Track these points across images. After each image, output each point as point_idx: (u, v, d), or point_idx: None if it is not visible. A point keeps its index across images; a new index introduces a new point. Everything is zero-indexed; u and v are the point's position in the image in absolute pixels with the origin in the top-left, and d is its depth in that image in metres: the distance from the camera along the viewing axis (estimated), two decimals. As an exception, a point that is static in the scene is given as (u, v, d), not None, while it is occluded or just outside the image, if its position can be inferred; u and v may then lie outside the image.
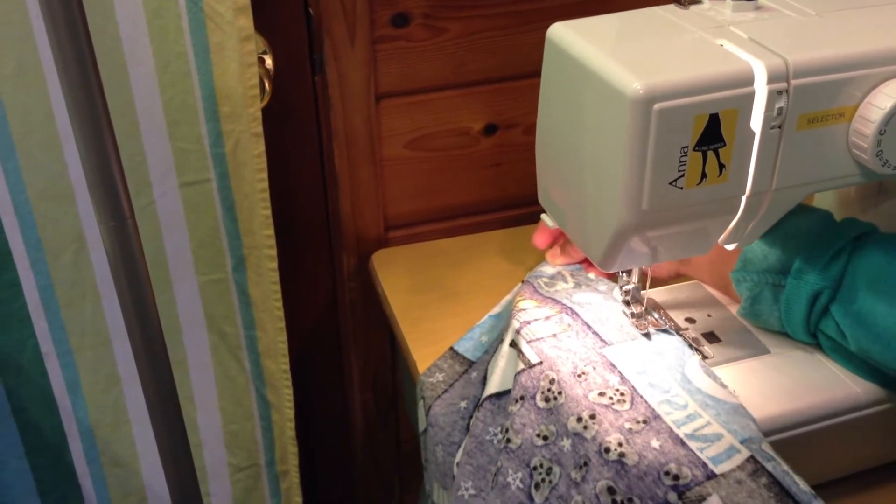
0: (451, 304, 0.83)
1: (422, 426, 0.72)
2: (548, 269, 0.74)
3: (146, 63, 0.76)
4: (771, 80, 0.53)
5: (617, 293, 0.70)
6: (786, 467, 0.54)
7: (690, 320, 0.70)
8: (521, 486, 0.60)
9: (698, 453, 0.54)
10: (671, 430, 0.56)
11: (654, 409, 0.58)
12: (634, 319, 0.66)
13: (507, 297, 0.75)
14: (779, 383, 0.64)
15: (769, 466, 0.53)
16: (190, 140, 0.80)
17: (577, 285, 0.71)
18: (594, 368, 0.62)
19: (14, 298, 0.81)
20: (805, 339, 0.66)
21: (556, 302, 0.68)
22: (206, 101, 0.78)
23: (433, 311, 0.82)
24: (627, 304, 0.68)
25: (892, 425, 0.65)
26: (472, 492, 0.64)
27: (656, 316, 0.68)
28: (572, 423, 0.58)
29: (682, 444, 0.55)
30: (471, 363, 0.71)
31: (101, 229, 0.58)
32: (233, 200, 0.83)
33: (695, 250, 0.62)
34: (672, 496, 0.52)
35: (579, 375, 0.61)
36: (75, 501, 0.93)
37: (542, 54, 0.62)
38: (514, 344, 0.65)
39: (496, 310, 0.74)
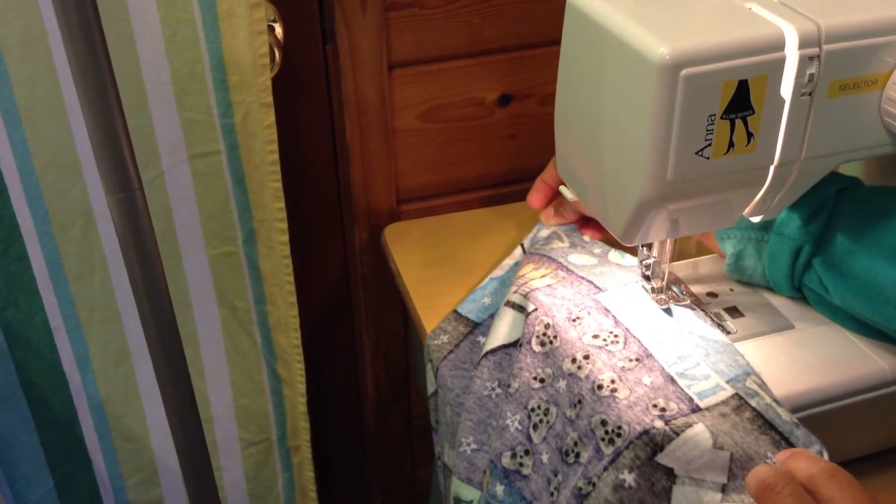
0: (465, 278, 0.82)
1: (430, 389, 0.73)
2: (543, 232, 0.75)
3: (153, 31, 0.74)
4: (802, 45, 0.51)
5: (612, 255, 0.70)
6: (769, 401, 0.55)
7: (712, 295, 0.68)
8: (519, 427, 0.62)
9: (686, 390, 0.56)
10: (662, 369, 0.57)
11: (646, 349, 0.59)
12: (654, 294, 0.65)
13: (508, 260, 0.76)
14: (804, 359, 0.62)
15: (753, 402, 0.55)
16: (199, 110, 0.78)
17: (573, 245, 0.72)
18: (588, 313, 0.63)
19: (22, 272, 0.80)
20: (790, 293, 0.67)
21: (552, 260, 0.69)
22: (214, 70, 0.76)
23: (446, 285, 0.81)
24: (647, 278, 0.66)
25: (920, 402, 0.64)
26: (473, 447, 0.65)
27: (677, 290, 0.66)
28: (567, 365, 0.60)
29: (672, 381, 0.56)
30: (475, 324, 0.72)
31: (109, 201, 0.56)
32: (243, 172, 0.82)
33: (718, 223, 0.60)
34: (659, 423, 0.53)
35: (574, 320, 0.62)
36: (86, 476, 0.92)
37: (561, 21, 0.60)
38: (510, 302, 0.66)
39: (497, 272, 0.75)
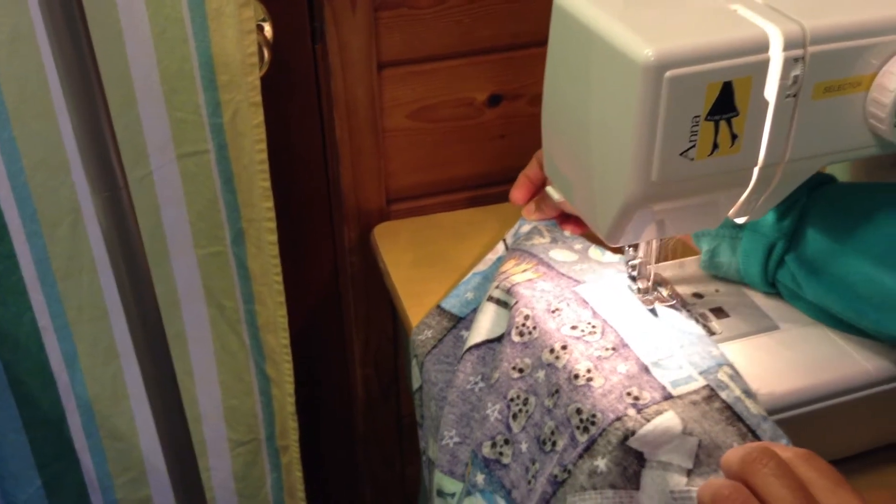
0: (454, 277, 0.82)
1: (416, 384, 0.74)
2: (525, 227, 0.76)
3: (142, 29, 0.74)
4: (787, 47, 0.51)
5: (592, 252, 0.71)
6: (738, 393, 0.56)
7: (698, 295, 0.68)
8: (499, 416, 0.62)
9: (659, 379, 0.57)
10: (637, 358, 0.58)
11: (622, 339, 0.60)
12: (640, 295, 0.65)
13: (490, 255, 0.77)
14: (788, 360, 0.62)
15: (723, 394, 0.56)
16: (187, 110, 0.78)
17: (554, 241, 0.73)
18: (567, 305, 0.63)
19: (10, 271, 0.80)
20: (764, 288, 0.67)
21: (533, 256, 0.70)
22: (203, 69, 0.76)
23: (435, 284, 0.81)
24: (633, 279, 0.66)
25: (904, 403, 0.64)
26: (456, 440, 0.66)
27: (663, 291, 0.66)
28: (546, 355, 0.61)
29: (647, 370, 0.57)
30: (458, 319, 0.73)
31: (94, 200, 0.56)
32: (231, 172, 0.82)
33: (704, 224, 0.60)
34: (631, 411, 0.55)
35: (553, 311, 0.63)
36: (74, 475, 0.92)
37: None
38: (492, 297, 0.67)
39: (480, 267, 0.76)
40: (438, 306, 0.75)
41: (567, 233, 0.74)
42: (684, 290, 0.69)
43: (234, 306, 0.88)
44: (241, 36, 0.76)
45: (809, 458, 0.45)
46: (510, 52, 0.91)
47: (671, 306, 0.64)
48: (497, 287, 0.68)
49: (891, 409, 0.64)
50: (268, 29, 0.83)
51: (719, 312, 0.67)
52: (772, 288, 0.67)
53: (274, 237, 0.85)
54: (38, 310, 0.82)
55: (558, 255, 0.70)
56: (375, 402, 1.08)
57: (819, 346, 0.64)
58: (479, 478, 0.63)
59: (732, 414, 0.55)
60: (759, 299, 0.68)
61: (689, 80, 0.49)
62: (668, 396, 0.56)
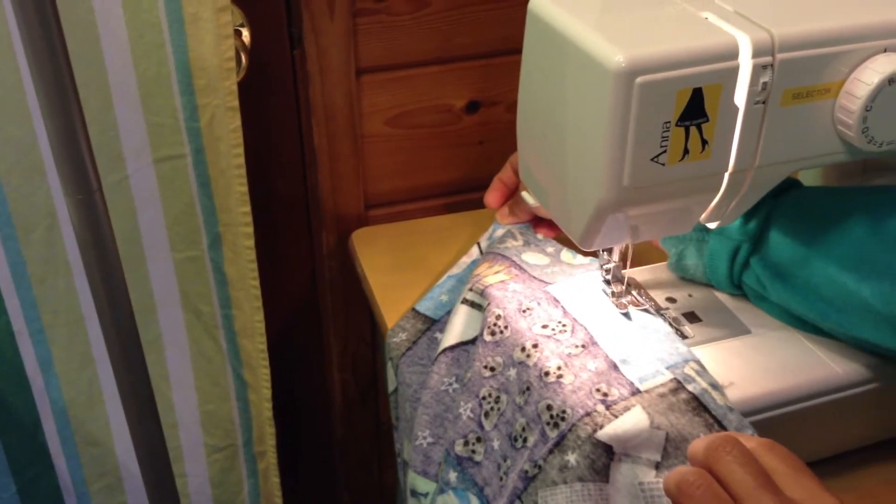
0: (431, 283, 0.82)
1: (391, 386, 0.74)
2: (499, 231, 0.77)
3: (119, 34, 0.74)
4: (756, 54, 0.51)
5: (564, 255, 0.72)
6: (705, 385, 0.57)
7: (671, 300, 0.69)
8: (471, 415, 0.63)
9: (628, 375, 0.58)
10: (606, 355, 0.60)
11: (592, 336, 0.61)
12: (614, 299, 0.66)
13: (465, 259, 0.78)
14: (759, 364, 0.63)
15: (689, 387, 0.57)
16: (164, 114, 0.78)
17: (526, 244, 0.74)
18: (538, 304, 0.65)
19: (-16, 275, 0.79)
20: (731, 290, 0.69)
21: (506, 258, 0.71)
22: (180, 73, 0.76)
23: (412, 290, 0.81)
24: (608, 283, 0.67)
25: (874, 406, 0.64)
26: (430, 440, 0.67)
27: (637, 295, 0.67)
28: (517, 354, 0.61)
29: (615, 367, 0.59)
30: (433, 321, 0.73)
31: (68, 202, 0.56)
32: (208, 176, 0.81)
33: (676, 228, 0.61)
34: (600, 407, 0.56)
35: (524, 311, 0.64)
36: (49, 481, 0.91)
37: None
38: (465, 300, 0.68)
39: (455, 270, 0.77)
40: (413, 309, 0.76)
41: (540, 236, 0.75)
42: (657, 294, 0.69)
43: (210, 311, 0.88)
44: (218, 41, 0.76)
45: (772, 447, 0.47)
46: (488, 59, 0.91)
47: (644, 310, 0.65)
48: (471, 290, 0.68)
49: (860, 412, 0.64)
50: (245, 34, 0.84)
51: (692, 317, 0.67)
52: (738, 290, 0.68)
53: (251, 242, 0.85)
54: (12, 314, 0.82)
55: (531, 258, 0.71)
56: (353, 407, 1.08)
57: (790, 350, 0.64)
58: (452, 476, 0.63)
59: (699, 405, 0.56)
60: (732, 304, 0.68)
61: (660, 86, 0.50)
62: (635, 392, 0.57)
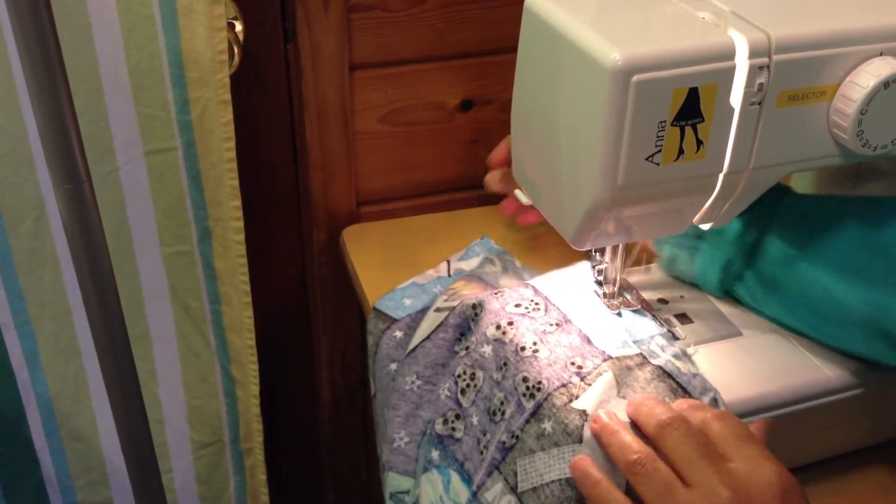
0: (423, 281, 0.82)
1: (373, 391, 0.75)
2: (474, 260, 0.79)
3: (111, 25, 0.73)
4: (752, 55, 0.51)
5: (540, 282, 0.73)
6: (669, 356, 0.60)
7: (663, 301, 0.69)
8: (448, 394, 0.65)
9: (600, 347, 0.61)
10: (580, 331, 0.62)
11: (565, 315, 0.63)
12: (606, 299, 0.65)
13: (431, 272, 0.79)
14: (750, 366, 0.63)
15: (654, 361, 0.60)
16: (156, 106, 0.77)
17: (504, 270, 0.76)
18: (510, 288, 0.68)
19: (-30, 266, 0.78)
20: (723, 296, 0.69)
21: (482, 280, 0.73)
22: (172, 65, 0.76)
23: (404, 288, 0.81)
24: (600, 283, 0.66)
25: (863, 411, 0.64)
26: (406, 440, 0.67)
27: (629, 296, 0.66)
28: (492, 331, 0.63)
29: (588, 341, 0.61)
30: (393, 320, 0.74)
31: (57, 193, 0.55)
32: (199, 170, 0.81)
33: (670, 229, 0.61)
34: (575, 379, 0.58)
35: (496, 294, 0.67)
36: (33, 476, 0.90)
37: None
38: (439, 308, 0.70)
39: (420, 279, 0.78)
40: (375, 308, 0.76)
41: (518, 263, 0.78)
42: (650, 295, 0.69)
43: (199, 306, 0.87)
44: (211, 33, 0.75)
45: (721, 417, 0.51)
46: (483, 57, 0.91)
47: (636, 311, 0.65)
48: (446, 300, 0.70)
49: (850, 416, 0.64)
50: (239, 27, 0.83)
51: (684, 318, 0.67)
52: (728, 296, 0.68)
53: (241, 237, 0.85)
54: (-2, 305, 0.81)
55: (508, 282, 0.73)
56: (341, 406, 1.07)
57: (781, 353, 0.64)
58: (434, 454, 0.64)
59: (663, 373, 0.59)
60: (723, 306, 0.68)
61: (656, 85, 0.50)
62: (607, 358, 0.59)
